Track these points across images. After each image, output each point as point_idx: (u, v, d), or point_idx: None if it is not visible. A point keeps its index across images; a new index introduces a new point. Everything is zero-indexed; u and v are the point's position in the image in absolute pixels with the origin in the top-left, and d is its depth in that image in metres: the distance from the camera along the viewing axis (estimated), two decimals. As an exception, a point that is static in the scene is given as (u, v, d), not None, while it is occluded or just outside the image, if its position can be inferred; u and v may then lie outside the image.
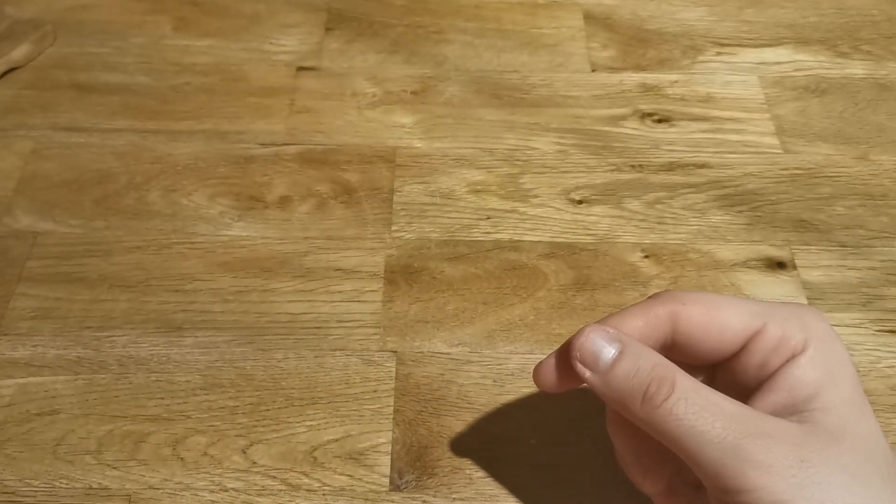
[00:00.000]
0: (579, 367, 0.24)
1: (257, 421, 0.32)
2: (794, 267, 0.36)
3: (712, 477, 0.22)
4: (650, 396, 0.23)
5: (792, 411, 0.23)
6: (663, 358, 0.24)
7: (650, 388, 0.23)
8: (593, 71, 0.45)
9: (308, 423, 0.32)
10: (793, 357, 0.23)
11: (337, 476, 0.30)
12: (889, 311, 0.35)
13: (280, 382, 0.33)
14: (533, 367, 0.33)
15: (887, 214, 0.38)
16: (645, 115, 0.42)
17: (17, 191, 0.39)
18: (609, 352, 0.24)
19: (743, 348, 0.24)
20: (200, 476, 0.30)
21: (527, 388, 0.33)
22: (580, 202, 0.39)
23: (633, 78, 0.44)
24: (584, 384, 0.24)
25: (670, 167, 0.40)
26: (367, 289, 0.36)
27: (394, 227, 0.38)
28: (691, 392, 0.22)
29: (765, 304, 0.25)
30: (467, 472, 0.31)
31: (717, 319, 0.24)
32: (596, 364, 0.24)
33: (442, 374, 0.33)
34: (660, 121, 0.42)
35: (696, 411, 0.22)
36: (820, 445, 0.22)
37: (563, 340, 0.34)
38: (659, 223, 0.38)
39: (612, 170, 0.40)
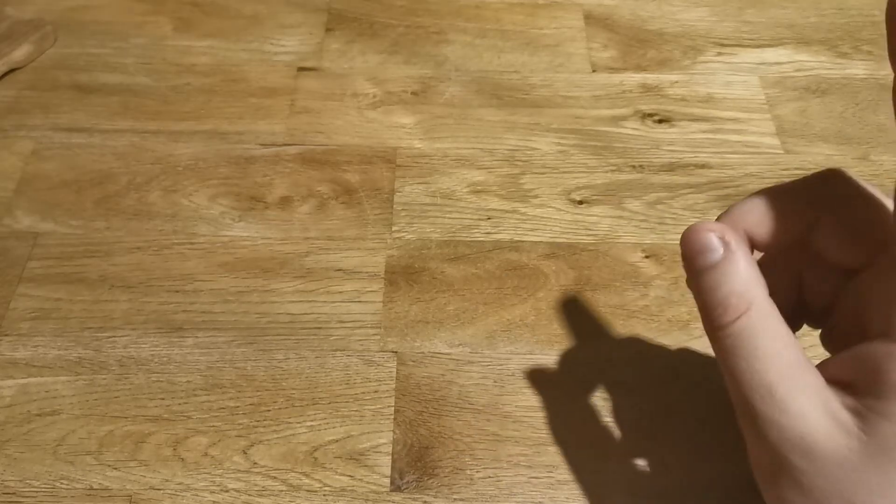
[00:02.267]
0: (682, 256, 0.24)
1: (258, 421, 0.32)
2: (795, 267, 0.36)
3: (736, 413, 0.22)
4: (711, 319, 0.23)
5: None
6: (754, 282, 0.23)
7: (714, 313, 0.22)
8: (594, 71, 0.45)
9: (309, 424, 0.32)
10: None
11: (338, 476, 0.30)
12: (890, 312, 0.35)
13: (281, 383, 0.33)
14: (532, 367, 0.33)
15: (888, 215, 0.38)
16: (645, 116, 0.42)
17: (18, 191, 0.39)
18: (709, 258, 0.23)
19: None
20: (201, 476, 0.30)
21: (527, 388, 0.33)
22: (581, 202, 0.39)
23: (633, 78, 0.44)
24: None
25: (671, 167, 0.40)
26: (368, 289, 0.36)
27: (394, 228, 0.38)
28: (745, 336, 0.22)
29: None
30: (468, 472, 0.31)
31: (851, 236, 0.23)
32: (691, 263, 0.23)
33: (442, 375, 0.33)
34: (660, 121, 0.42)
35: (739, 356, 0.22)
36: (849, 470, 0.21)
37: (563, 341, 0.35)
38: (659, 223, 0.38)
39: (613, 170, 0.40)
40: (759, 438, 0.22)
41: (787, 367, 0.22)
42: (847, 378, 0.22)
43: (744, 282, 0.22)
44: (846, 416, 0.21)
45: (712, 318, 0.23)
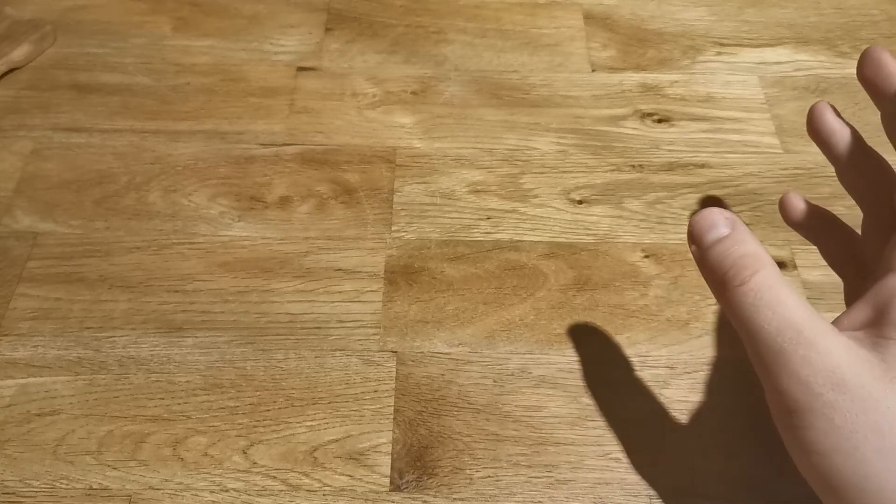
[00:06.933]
0: (688, 239, 0.25)
1: (258, 421, 0.32)
2: (795, 266, 0.36)
3: (756, 366, 0.23)
4: (726, 280, 0.23)
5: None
6: (761, 250, 0.24)
7: (729, 273, 0.23)
8: (593, 71, 0.45)
9: (308, 424, 0.32)
10: None
11: (337, 476, 0.31)
12: (889, 311, 0.35)
13: (280, 383, 0.33)
14: (532, 367, 0.33)
15: (887, 214, 0.38)
16: (645, 115, 0.42)
17: (18, 191, 0.39)
18: (717, 232, 0.24)
19: None
20: (201, 476, 0.30)
21: (527, 388, 0.33)
22: (580, 202, 0.39)
23: (633, 78, 0.44)
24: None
25: (670, 167, 0.40)
26: (368, 289, 0.36)
27: (394, 228, 0.38)
28: (764, 288, 0.23)
29: None
30: (467, 472, 0.31)
31: None
32: (701, 240, 0.24)
33: (442, 375, 0.33)
34: (660, 121, 0.42)
35: (760, 306, 0.23)
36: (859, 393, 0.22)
37: (563, 340, 0.35)
38: (659, 223, 0.38)
39: (613, 170, 0.40)
40: (788, 379, 0.22)
41: (808, 313, 0.23)
42: (863, 319, 0.24)
43: (755, 245, 0.24)
44: (864, 352, 0.22)
45: (727, 280, 0.23)
